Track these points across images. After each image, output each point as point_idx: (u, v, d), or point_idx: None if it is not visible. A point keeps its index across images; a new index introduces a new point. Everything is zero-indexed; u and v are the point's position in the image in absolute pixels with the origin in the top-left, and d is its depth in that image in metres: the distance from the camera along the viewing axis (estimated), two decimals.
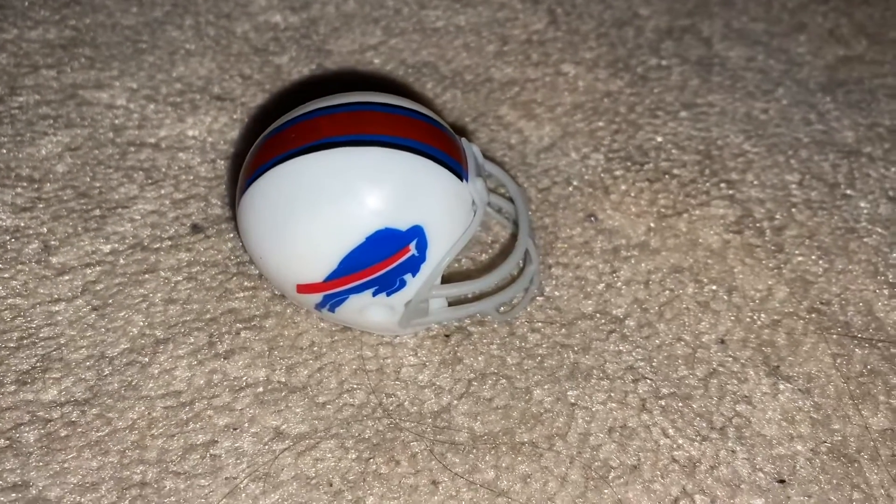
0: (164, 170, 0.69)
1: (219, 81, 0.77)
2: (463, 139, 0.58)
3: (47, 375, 0.56)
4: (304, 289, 0.54)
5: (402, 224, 0.52)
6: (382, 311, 0.56)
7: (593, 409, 0.56)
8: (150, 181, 0.68)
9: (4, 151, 0.70)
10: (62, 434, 0.53)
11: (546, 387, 0.57)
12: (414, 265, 0.54)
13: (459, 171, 0.54)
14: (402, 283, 0.54)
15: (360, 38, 0.83)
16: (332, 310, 0.56)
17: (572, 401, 0.56)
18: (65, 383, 0.56)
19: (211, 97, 0.75)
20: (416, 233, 0.53)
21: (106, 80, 0.77)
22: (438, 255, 0.54)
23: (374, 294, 0.54)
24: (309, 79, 0.78)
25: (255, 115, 0.74)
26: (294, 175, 0.51)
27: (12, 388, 0.55)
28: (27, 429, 0.53)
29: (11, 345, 0.58)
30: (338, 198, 0.51)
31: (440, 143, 0.54)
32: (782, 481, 0.53)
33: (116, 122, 0.73)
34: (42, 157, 0.70)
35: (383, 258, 0.52)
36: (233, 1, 0.85)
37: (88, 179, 0.68)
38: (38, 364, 0.57)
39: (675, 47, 0.83)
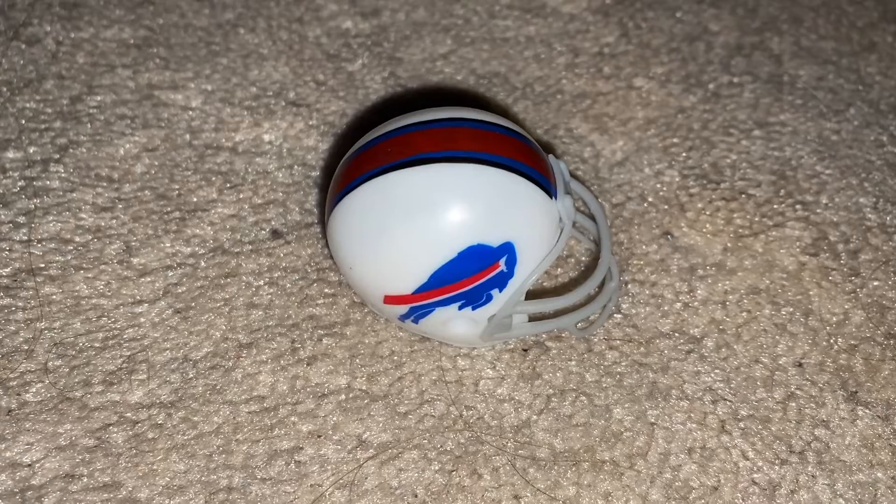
0: (241, 174, 0.70)
1: (293, 87, 0.78)
2: (550, 156, 0.58)
3: (133, 377, 0.57)
4: (392, 300, 0.55)
5: (494, 240, 0.52)
6: (466, 324, 0.56)
7: (673, 430, 0.56)
8: (228, 185, 0.69)
9: (84, 150, 0.71)
10: (149, 436, 0.54)
11: (626, 405, 0.57)
12: (502, 281, 0.54)
13: (549, 189, 0.55)
14: (489, 298, 0.55)
15: (431, 46, 0.83)
16: (416, 321, 0.57)
17: (652, 420, 0.56)
18: (150, 385, 0.57)
19: (286, 102, 0.76)
20: (507, 249, 0.53)
21: (181, 81, 0.77)
22: (526, 271, 0.55)
23: (461, 308, 0.55)
24: (381, 86, 0.78)
25: (331, 121, 0.75)
26: (389, 189, 0.52)
27: (100, 388, 0.56)
28: (115, 429, 0.54)
29: (97, 344, 0.58)
30: (432, 212, 0.52)
31: (530, 160, 0.54)
32: None
33: (193, 124, 0.74)
34: (120, 157, 0.71)
35: (473, 273, 0.53)
36: (304, 5, 0.86)
37: (167, 181, 0.69)
38: (123, 365, 0.58)
39: (745, 64, 0.83)
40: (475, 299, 0.55)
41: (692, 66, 0.82)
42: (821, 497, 0.53)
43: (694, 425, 0.56)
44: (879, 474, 0.55)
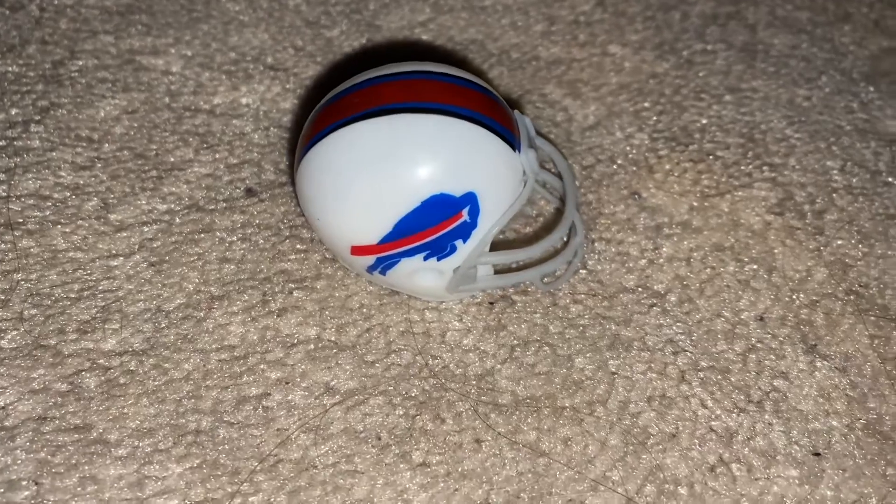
0: (218, 135, 0.71)
1: (272, 52, 0.79)
2: (516, 111, 0.59)
3: (107, 326, 0.58)
4: (358, 251, 0.56)
5: (457, 190, 0.54)
6: (432, 275, 0.57)
7: (633, 379, 0.57)
8: (204, 145, 0.70)
9: (65, 112, 0.72)
10: (121, 381, 0.55)
11: (587, 355, 0.58)
12: (465, 231, 0.55)
13: (512, 142, 0.56)
14: (453, 249, 0.56)
15: (409, 14, 0.84)
16: (383, 273, 0.58)
17: (613, 370, 0.58)
18: (123, 334, 0.58)
19: (265, 67, 0.77)
20: (470, 199, 0.54)
21: (162, 46, 0.79)
22: (489, 222, 0.56)
23: (426, 258, 0.56)
24: (360, 52, 0.79)
25: (307, 85, 0.76)
26: (354, 139, 0.53)
27: (74, 336, 0.57)
28: (88, 375, 0.56)
29: (73, 295, 0.60)
30: (396, 162, 0.53)
31: (495, 113, 0.56)
32: (817, 454, 0.54)
33: (172, 87, 0.75)
34: (101, 118, 0.72)
35: (437, 223, 0.54)
36: None
37: (145, 142, 0.70)
38: (97, 315, 0.59)
39: (720, 33, 0.84)
40: (440, 250, 0.56)
41: (667, 34, 0.83)
42: (776, 443, 0.55)
43: (654, 375, 0.58)
44: (834, 422, 0.56)
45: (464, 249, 0.56)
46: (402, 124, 0.53)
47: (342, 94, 0.56)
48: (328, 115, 0.55)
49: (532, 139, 0.59)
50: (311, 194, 0.56)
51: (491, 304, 0.61)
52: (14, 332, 0.57)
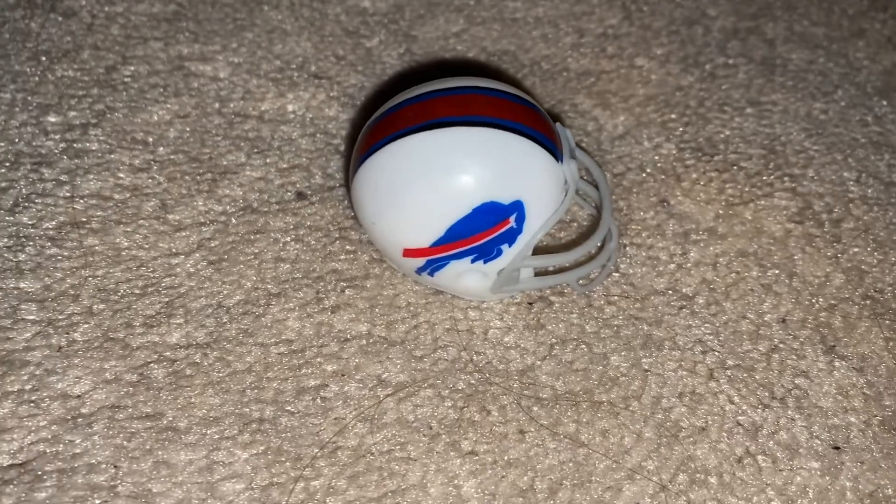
0: (268, 140, 0.75)
1: (315, 61, 0.83)
2: (557, 123, 0.63)
3: (171, 320, 0.62)
4: (410, 253, 0.60)
5: (505, 198, 0.58)
6: (477, 277, 0.61)
7: (665, 376, 0.61)
8: (255, 150, 0.74)
9: (120, 116, 0.76)
10: (187, 373, 0.59)
11: (622, 354, 0.62)
12: (511, 236, 0.59)
13: (555, 153, 0.60)
14: (499, 253, 0.60)
15: (444, 25, 0.88)
16: (431, 274, 0.62)
17: (646, 367, 0.62)
18: (187, 328, 0.62)
19: (308, 75, 0.81)
20: (517, 207, 0.58)
21: (209, 53, 0.82)
22: (534, 228, 0.60)
23: (473, 261, 0.60)
24: (398, 62, 0.83)
25: (350, 93, 0.80)
26: (410, 150, 0.57)
27: (140, 329, 0.61)
28: (156, 367, 0.59)
29: (137, 291, 0.64)
30: (450, 172, 0.57)
31: (539, 125, 0.60)
32: (837, 448, 0.58)
33: (221, 93, 0.79)
34: (154, 122, 0.76)
35: (486, 228, 0.58)
36: None
37: (198, 145, 0.74)
38: (162, 310, 0.63)
39: (740, 47, 0.88)
40: (487, 253, 0.60)
41: (690, 48, 0.87)
42: (798, 437, 0.59)
43: (684, 373, 0.62)
44: (852, 419, 0.60)
45: (509, 253, 0.60)
46: (455, 137, 0.57)
47: (396, 108, 0.60)
48: (383, 127, 0.59)
49: (573, 150, 0.63)
50: (368, 201, 0.60)
51: (530, 304, 0.65)
52: (85, 326, 0.61)
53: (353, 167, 0.61)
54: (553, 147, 0.60)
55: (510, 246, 0.60)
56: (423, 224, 0.58)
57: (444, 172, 0.57)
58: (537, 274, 0.65)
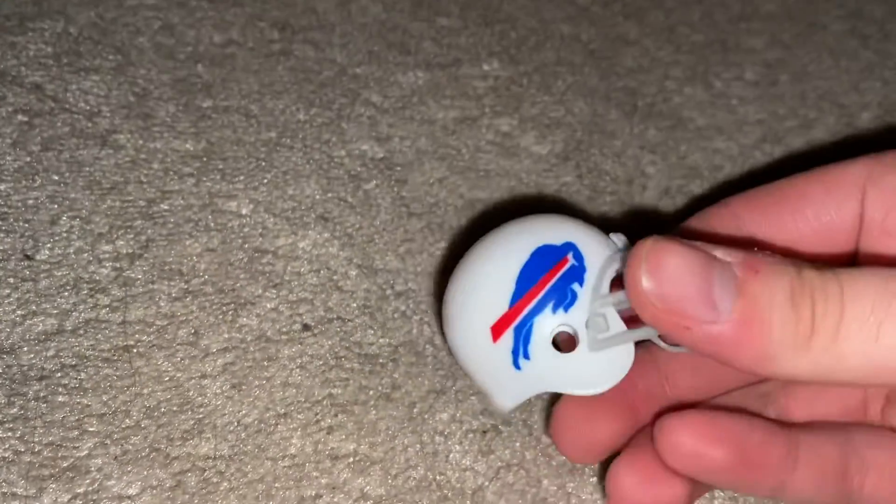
0: (280, 275, 0.93)
1: (322, 202, 1.00)
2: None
3: (202, 435, 0.79)
4: (497, 328, 0.65)
5: (556, 240, 0.66)
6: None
7: (582, 498, 0.79)
8: (270, 284, 0.92)
9: (160, 248, 0.93)
10: (214, 480, 0.77)
11: (552, 479, 0.80)
12: (577, 274, 0.65)
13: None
14: (574, 295, 0.64)
15: (429, 171, 1.05)
16: (525, 354, 0.65)
17: (569, 491, 0.80)
18: (214, 442, 0.79)
19: (316, 216, 0.98)
20: (570, 246, 0.65)
21: (234, 191, 1.00)
22: (595, 265, 0.65)
23: (554, 309, 0.64)
24: (391, 205, 1.01)
25: (349, 233, 0.97)
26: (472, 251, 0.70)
27: (178, 442, 0.79)
28: (190, 474, 0.77)
29: (175, 408, 0.81)
30: (500, 238, 0.68)
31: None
32: None
33: (244, 230, 0.96)
34: (188, 254, 0.93)
35: (549, 268, 0.64)
36: (331, 128, 1.08)
37: (223, 277, 0.91)
38: (194, 426, 0.80)
39: (671, 203, 1.07)
40: (562, 296, 0.64)
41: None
42: None
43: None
44: None
45: (583, 293, 0.64)
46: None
47: None
48: None
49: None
50: (449, 299, 0.70)
51: (483, 433, 0.83)
52: (135, 438, 0.78)
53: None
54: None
55: (581, 285, 0.64)
56: (495, 284, 0.65)
57: (495, 242, 0.68)
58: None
